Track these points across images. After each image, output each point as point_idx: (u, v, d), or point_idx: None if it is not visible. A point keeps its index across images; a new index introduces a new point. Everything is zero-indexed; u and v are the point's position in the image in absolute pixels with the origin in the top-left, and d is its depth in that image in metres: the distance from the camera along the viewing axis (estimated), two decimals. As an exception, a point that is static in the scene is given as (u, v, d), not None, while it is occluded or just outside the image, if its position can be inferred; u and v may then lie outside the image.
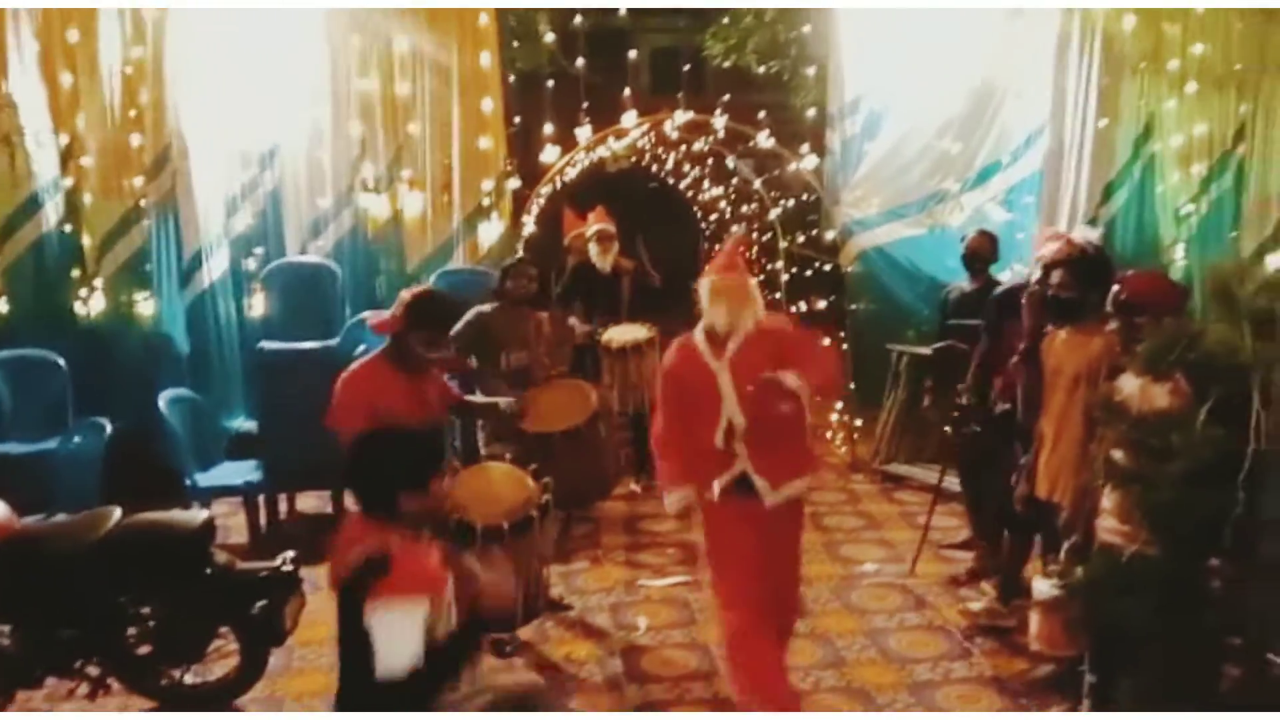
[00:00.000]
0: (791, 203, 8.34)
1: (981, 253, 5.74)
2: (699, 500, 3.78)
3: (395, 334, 3.89)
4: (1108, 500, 3.33)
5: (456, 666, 2.64)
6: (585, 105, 7.41)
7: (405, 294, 3.96)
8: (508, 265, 5.68)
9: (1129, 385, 3.30)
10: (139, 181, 6.69)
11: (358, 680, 2.50)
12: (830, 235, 7.64)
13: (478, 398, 5.05)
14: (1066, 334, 4.04)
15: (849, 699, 4.13)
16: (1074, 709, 3.72)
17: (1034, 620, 3.78)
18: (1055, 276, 3.95)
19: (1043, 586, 3.66)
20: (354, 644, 2.47)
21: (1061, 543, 3.78)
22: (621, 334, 6.53)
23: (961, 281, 5.88)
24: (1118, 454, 3.21)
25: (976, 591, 5.03)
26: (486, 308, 5.46)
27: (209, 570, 3.95)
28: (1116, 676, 3.20)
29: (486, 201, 7.18)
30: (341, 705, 2.67)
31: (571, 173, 8.14)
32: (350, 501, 2.86)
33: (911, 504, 6.51)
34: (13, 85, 6.39)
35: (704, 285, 3.68)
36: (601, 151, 8.46)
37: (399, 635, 2.38)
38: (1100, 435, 3.42)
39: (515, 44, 7.99)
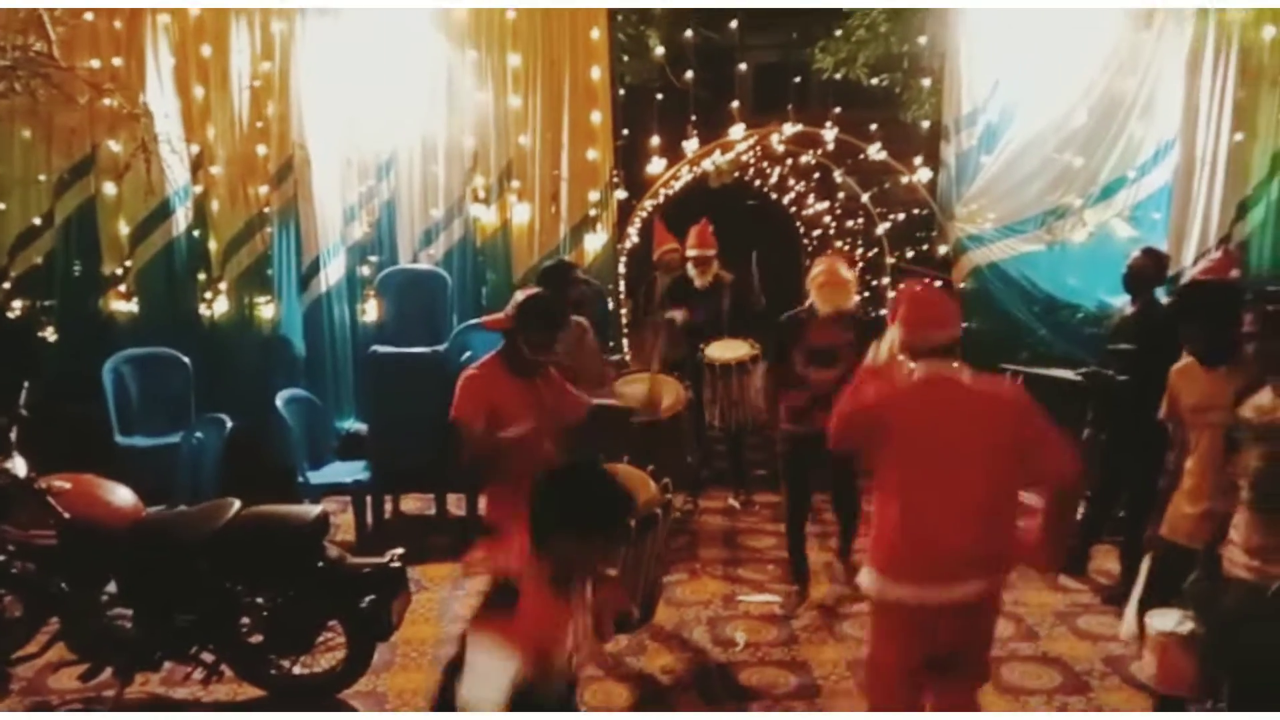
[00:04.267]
0: (901, 217, 8.17)
1: (1144, 273, 5.21)
2: None
3: (507, 335, 3.91)
4: (1236, 533, 3.12)
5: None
6: (693, 118, 7.41)
7: (519, 294, 3.98)
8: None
9: (1266, 401, 3.08)
10: (264, 190, 6.97)
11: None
12: (943, 250, 7.43)
13: (608, 400, 4.71)
14: (1201, 367, 3.76)
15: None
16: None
17: (1152, 658, 3.49)
18: (1250, 324, 3.45)
19: (1164, 622, 3.37)
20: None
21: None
22: (723, 350, 6.44)
23: (1125, 303, 5.43)
24: (1257, 464, 2.99)
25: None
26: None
27: (321, 563, 4.03)
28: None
29: (593, 213, 7.23)
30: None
31: (676, 185, 8.15)
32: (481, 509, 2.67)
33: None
34: (149, 97, 6.74)
35: None
36: (706, 165, 8.45)
37: (489, 674, 2.28)
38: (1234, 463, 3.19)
39: (625, 58, 8.03)
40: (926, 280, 3.43)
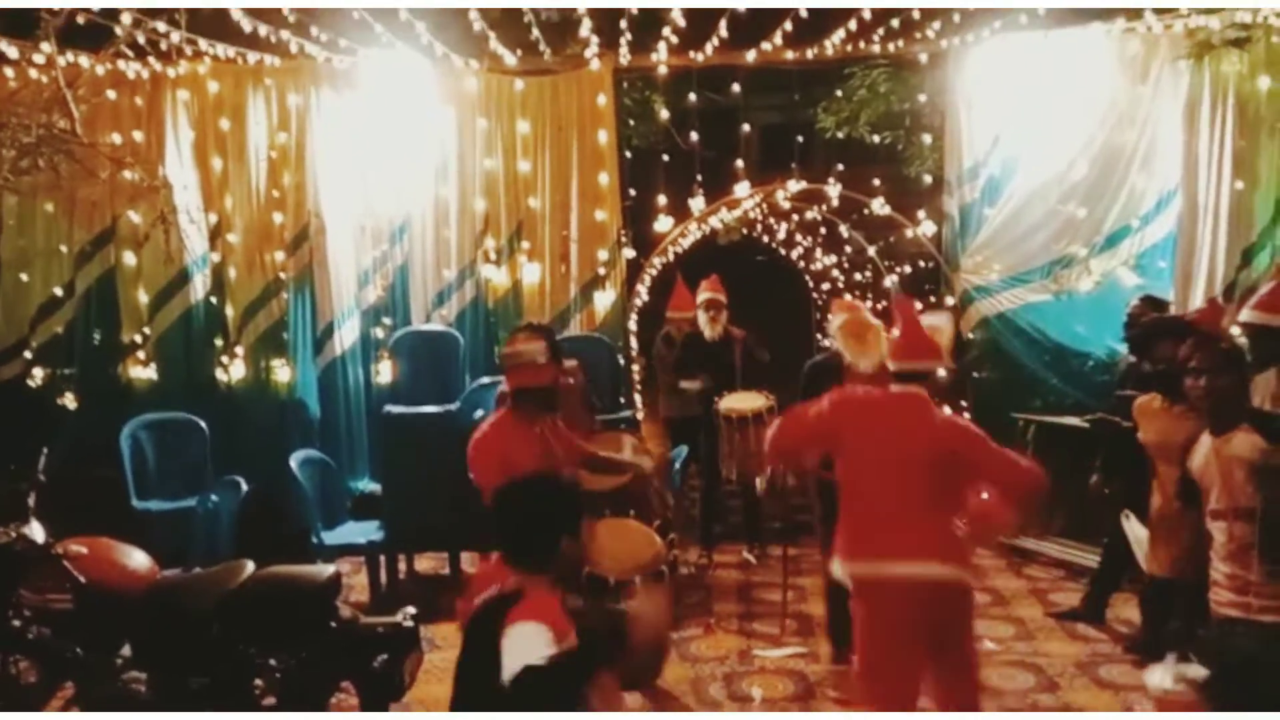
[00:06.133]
0: (908, 269, 8.24)
1: (1142, 320, 5.20)
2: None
3: (516, 395, 3.98)
4: (1219, 573, 3.10)
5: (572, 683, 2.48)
6: (699, 178, 7.55)
7: (519, 338, 4.10)
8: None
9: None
10: (280, 257, 7.13)
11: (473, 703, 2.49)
12: (950, 301, 7.49)
13: (610, 453, 4.75)
14: (1164, 403, 3.77)
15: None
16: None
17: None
18: (1195, 359, 3.34)
19: (1162, 680, 3.01)
20: (475, 674, 2.44)
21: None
22: (738, 403, 6.47)
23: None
24: None
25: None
26: None
27: (334, 624, 4.03)
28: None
29: (602, 271, 7.33)
30: None
31: (684, 243, 8.27)
32: (490, 556, 2.76)
33: (1040, 579, 6.21)
34: (169, 169, 6.93)
35: None
36: (713, 223, 8.58)
37: (529, 650, 2.32)
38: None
39: (632, 122, 8.22)
40: (921, 309, 3.71)
